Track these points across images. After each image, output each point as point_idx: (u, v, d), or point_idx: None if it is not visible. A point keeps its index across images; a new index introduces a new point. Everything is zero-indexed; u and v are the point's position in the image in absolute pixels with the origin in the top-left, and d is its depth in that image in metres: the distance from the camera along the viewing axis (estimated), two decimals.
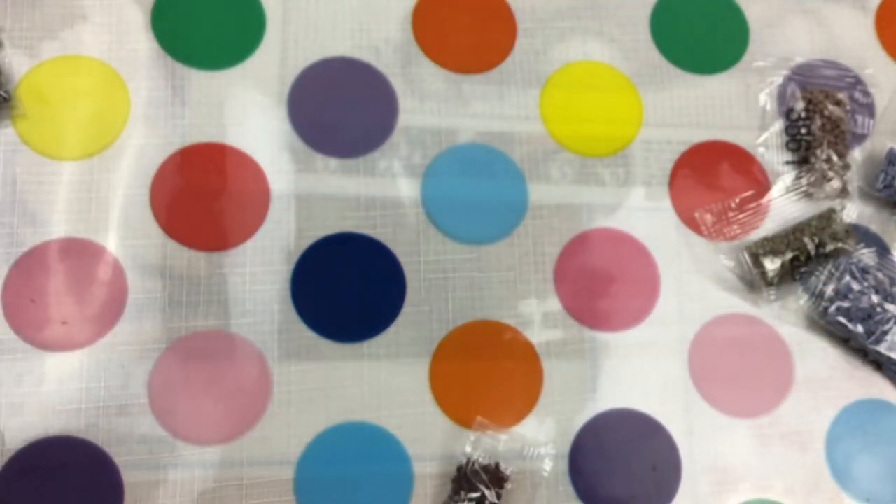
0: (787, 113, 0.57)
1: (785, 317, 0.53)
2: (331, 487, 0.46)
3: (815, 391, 0.52)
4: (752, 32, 0.59)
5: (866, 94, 0.58)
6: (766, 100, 0.57)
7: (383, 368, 0.49)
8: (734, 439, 0.50)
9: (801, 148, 0.55)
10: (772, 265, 0.51)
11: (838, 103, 0.55)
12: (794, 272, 0.52)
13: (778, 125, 0.57)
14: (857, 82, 0.58)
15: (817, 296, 0.52)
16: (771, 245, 0.52)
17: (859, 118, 0.57)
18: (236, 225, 0.50)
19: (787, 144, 0.56)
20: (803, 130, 0.55)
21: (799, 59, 0.58)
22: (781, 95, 0.57)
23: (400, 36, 0.55)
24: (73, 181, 0.49)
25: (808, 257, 0.52)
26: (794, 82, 0.57)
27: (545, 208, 0.53)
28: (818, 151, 0.54)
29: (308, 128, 0.52)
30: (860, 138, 0.57)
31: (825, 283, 0.52)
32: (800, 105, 0.56)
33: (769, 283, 0.52)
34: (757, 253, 0.52)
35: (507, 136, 0.54)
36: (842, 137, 0.55)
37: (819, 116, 0.55)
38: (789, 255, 0.51)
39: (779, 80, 0.58)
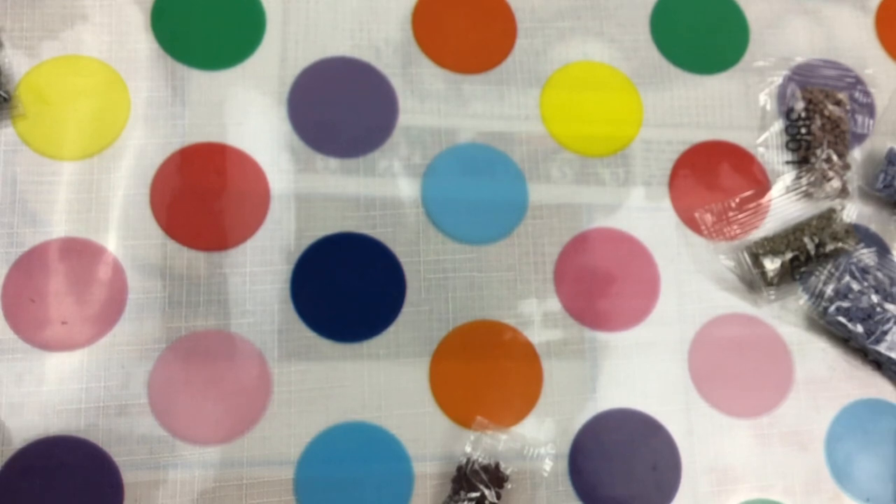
0: (787, 113, 0.57)
1: (785, 317, 0.53)
2: (331, 487, 0.46)
3: (815, 391, 0.52)
4: (752, 32, 0.59)
5: (866, 94, 0.58)
6: (766, 100, 0.57)
7: (383, 368, 0.49)
8: (734, 439, 0.50)
9: (801, 148, 0.55)
10: (772, 265, 0.51)
11: (838, 103, 0.55)
12: (794, 272, 0.52)
13: (778, 125, 0.57)
14: (857, 82, 0.58)
15: (817, 296, 0.52)
16: (771, 245, 0.52)
17: (859, 118, 0.57)
18: (236, 225, 0.50)
19: (787, 144, 0.56)
20: (803, 130, 0.55)
21: (799, 59, 0.58)
22: (781, 95, 0.57)
23: (400, 36, 0.55)
24: (73, 181, 0.49)
25: (808, 257, 0.52)
26: (794, 82, 0.57)
27: (545, 208, 0.53)
28: (818, 151, 0.54)
29: (308, 128, 0.52)
30: (860, 138, 0.57)
31: (825, 283, 0.52)
32: (800, 105, 0.56)
33: (769, 283, 0.52)
34: (757, 253, 0.52)
35: (507, 136, 0.54)
36: (842, 137, 0.55)
37: (819, 116, 0.55)
38: (789, 255, 0.52)
39: (779, 80, 0.58)
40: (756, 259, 0.52)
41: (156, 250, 0.49)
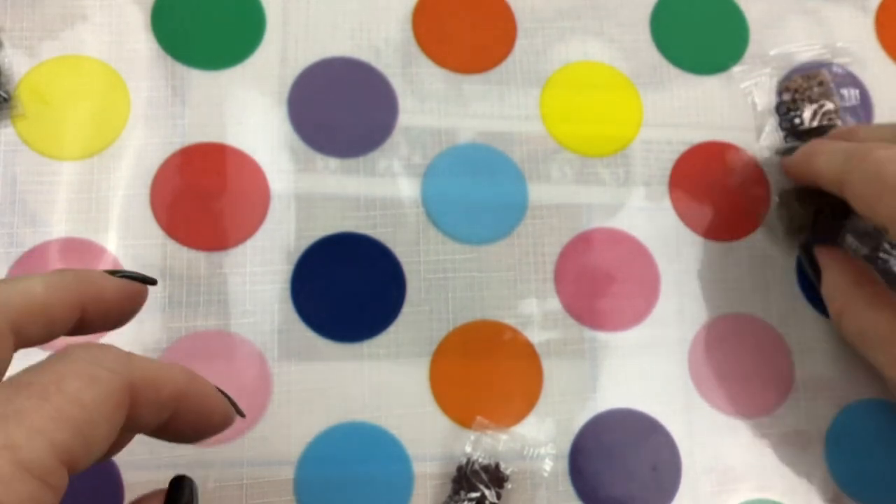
0: (777, 108, 0.57)
1: (785, 317, 0.53)
2: (331, 487, 0.46)
3: (815, 391, 0.52)
4: (752, 32, 0.59)
5: (866, 94, 0.58)
6: (760, 100, 0.57)
7: (383, 368, 0.49)
8: (734, 439, 0.50)
9: (801, 140, 0.55)
10: (801, 211, 0.52)
11: (821, 84, 0.56)
12: (819, 223, 0.53)
13: (773, 122, 0.57)
14: (856, 83, 0.58)
15: (863, 237, 0.52)
16: (803, 194, 0.53)
17: (858, 118, 0.57)
18: (236, 225, 0.50)
19: (785, 139, 0.56)
20: (796, 121, 0.55)
21: (799, 60, 0.58)
22: (770, 93, 0.57)
23: (400, 36, 0.55)
24: (73, 181, 0.49)
25: (836, 210, 0.52)
26: (776, 77, 0.57)
27: (545, 208, 0.53)
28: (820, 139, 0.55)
29: (308, 128, 0.52)
30: (851, 111, 0.57)
31: (874, 227, 0.52)
32: (786, 97, 0.56)
33: (798, 230, 0.53)
34: (788, 200, 0.53)
35: (507, 136, 0.54)
36: (836, 118, 0.55)
37: (807, 102, 0.55)
38: (819, 206, 0.52)
39: (774, 79, 0.58)
40: (787, 205, 0.53)
41: (156, 250, 0.49)
